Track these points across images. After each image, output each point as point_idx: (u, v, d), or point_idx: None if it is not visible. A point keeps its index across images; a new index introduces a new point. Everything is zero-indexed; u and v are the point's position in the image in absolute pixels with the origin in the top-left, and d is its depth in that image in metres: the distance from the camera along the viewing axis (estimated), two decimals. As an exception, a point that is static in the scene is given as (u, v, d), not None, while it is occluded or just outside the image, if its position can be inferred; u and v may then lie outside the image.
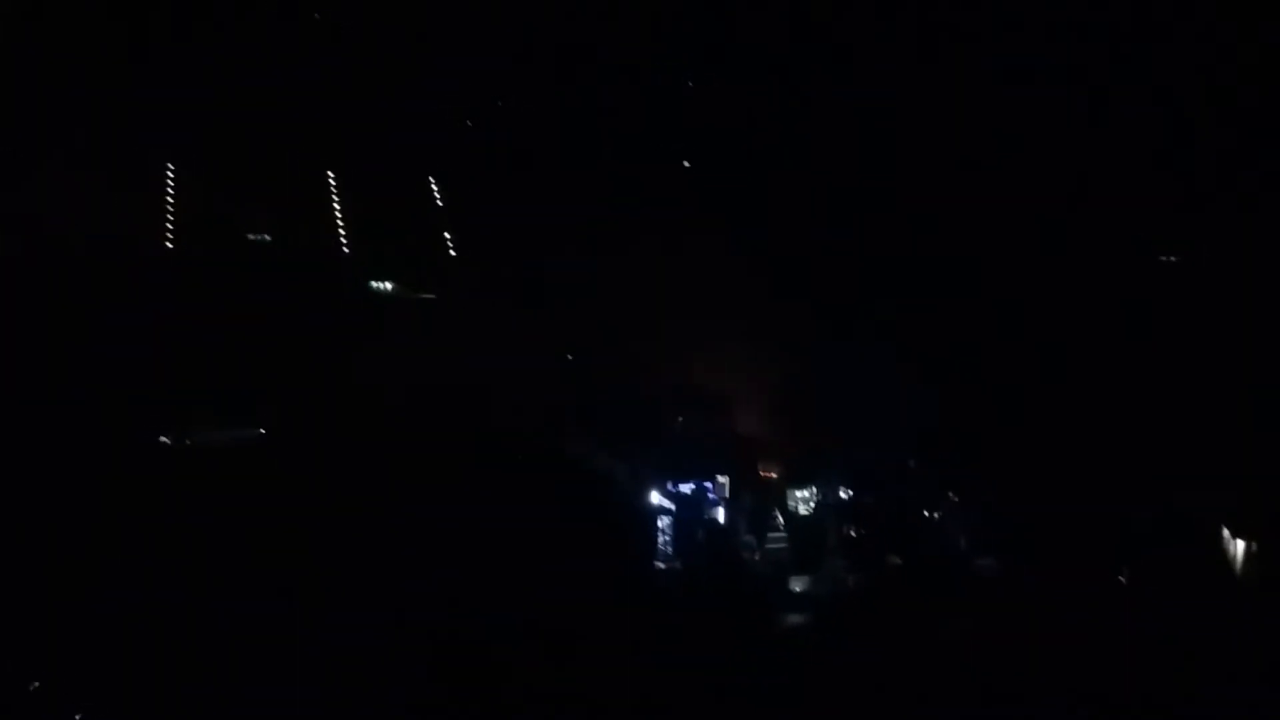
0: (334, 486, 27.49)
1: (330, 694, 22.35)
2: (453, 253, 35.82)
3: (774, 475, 31.10)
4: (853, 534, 29.69)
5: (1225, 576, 27.37)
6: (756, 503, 29.98)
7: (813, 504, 30.34)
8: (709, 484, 29.72)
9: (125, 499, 25.89)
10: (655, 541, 28.55)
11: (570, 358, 32.41)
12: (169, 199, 33.56)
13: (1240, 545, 27.36)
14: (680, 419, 31.69)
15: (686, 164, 33.45)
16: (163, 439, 28.67)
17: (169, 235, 33.25)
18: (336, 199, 35.28)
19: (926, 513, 30.06)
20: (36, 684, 21.84)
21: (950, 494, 30.07)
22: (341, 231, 34.98)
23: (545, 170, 35.46)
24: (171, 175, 33.79)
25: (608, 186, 34.87)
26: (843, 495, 30.51)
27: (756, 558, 29.00)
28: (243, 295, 31.80)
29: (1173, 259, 32.17)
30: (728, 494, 29.83)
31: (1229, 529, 27.53)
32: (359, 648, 23.42)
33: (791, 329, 32.33)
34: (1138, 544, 27.79)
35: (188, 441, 28.80)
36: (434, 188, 36.31)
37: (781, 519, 29.82)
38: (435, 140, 35.90)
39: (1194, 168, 31.66)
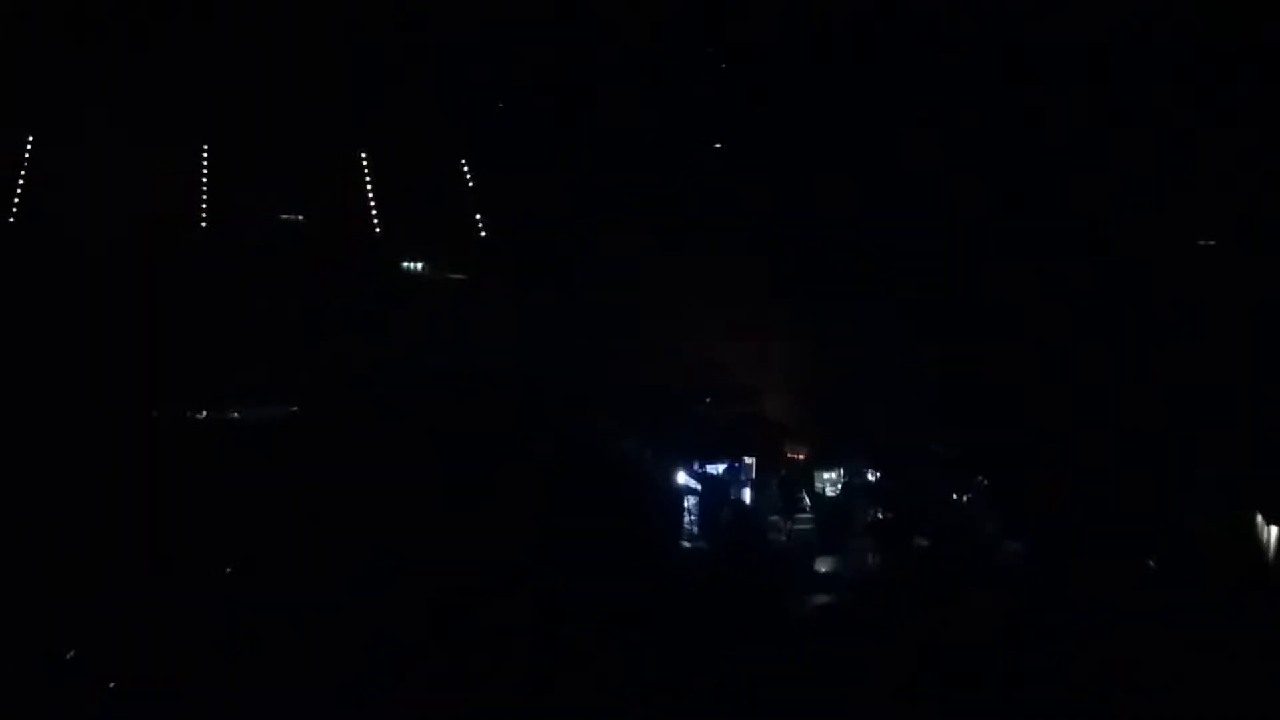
0: (364, 465, 27.83)
1: (356, 674, 22.57)
2: (484, 234, 36.00)
3: (800, 457, 31.06)
4: (879, 516, 29.57)
5: (1258, 563, 27.01)
6: (783, 484, 30.00)
7: (839, 486, 30.27)
8: (736, 465, 29.73)
9: (162, 471, 26.26)
10: (681, 522, 28.64)
11: (600, 341, 32.45)
12: (204, 180, 33.98)
13: (1275, 531, 26.98)
14: (707, 401, 31.77)
15: (718, 145, 33.27)
16: (196, 416, 29.11)
17: (204, 216, 33.70)
18: (369, 179, 35.53)
19: (954, 496, 29.89)
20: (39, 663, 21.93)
21: (978, 477, 29.87)
22: (374, 212, 35.25)
23: (578, 153, 35.48)
24: (206, 157, 34.20)
25: (640, 171, 34.85)
26: (869, 477, 30.40)
27: (782, 539, 29.00)
28: (276, 275, 32.20)
29: (1210, 243, 31.73)
30: (754, 475, 29.85)
31: (1263, 515, 27.15)
32: (381, 629, 23.64)
33: (819, 312, 32.21)
34: (1169, 529, 27.49)
35: (219, 419, 29.26)
36: (465, 169, 36.46)
37: (808, 500, 29.82)
38: (467, 121, 36.03)
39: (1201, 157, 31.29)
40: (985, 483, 29.72)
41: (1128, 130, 31.89)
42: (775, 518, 29.19)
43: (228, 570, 24.89)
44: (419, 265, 34.69)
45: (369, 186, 35.39)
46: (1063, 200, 31.92)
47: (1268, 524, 27.04)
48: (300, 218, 34.25)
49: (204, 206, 33.81)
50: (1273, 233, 30.32)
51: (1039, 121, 32.43)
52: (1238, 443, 27.73)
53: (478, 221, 35.96)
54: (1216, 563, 26.75)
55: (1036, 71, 32.32)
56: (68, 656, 22.20)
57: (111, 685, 21.71)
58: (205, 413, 29.29)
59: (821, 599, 27.48)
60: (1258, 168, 30.74)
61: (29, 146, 33.75)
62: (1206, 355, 28.94)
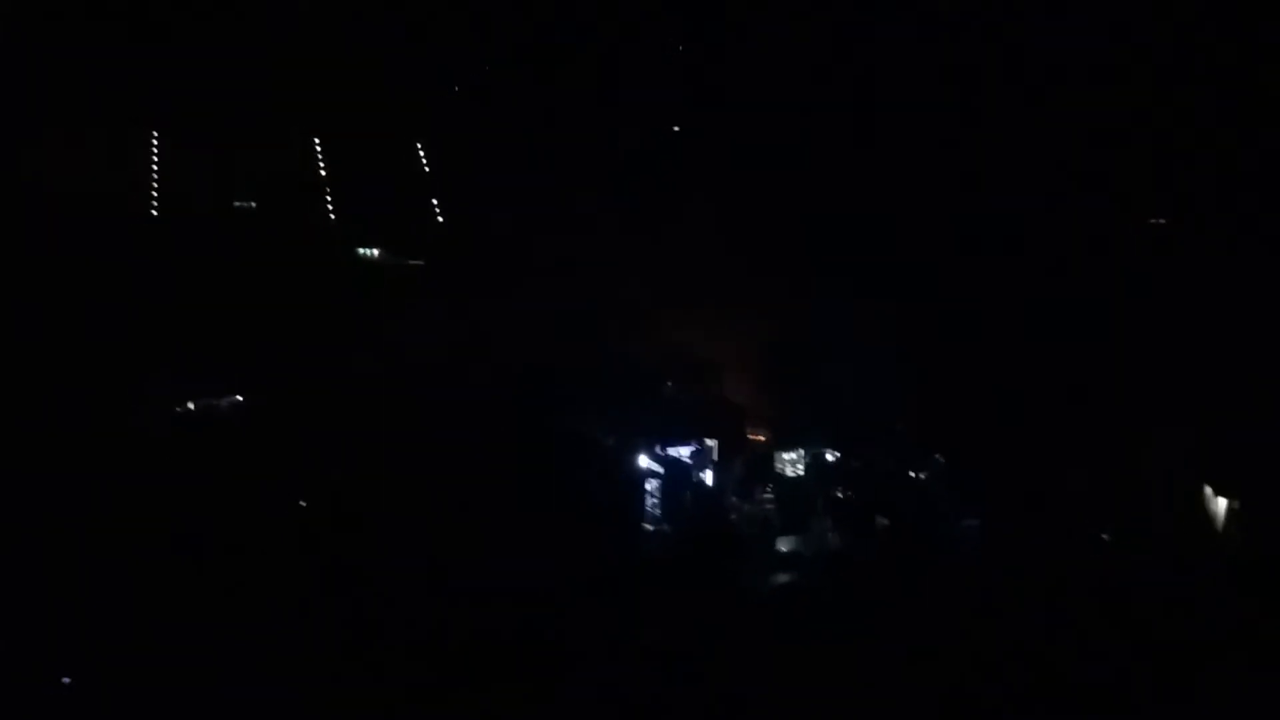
0: (320, 450, 27.67)
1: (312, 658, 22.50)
2: (440, 219, 35.69)
3: (762, 438, 31.23)
4: (839, 495, 29.86)
5: (1207, 533, 27.61)
6: (744, 465, 30.15)
7: (800, 466, 30.49)
8: (698, 448, 29.84)
9: (110, 457, 26.02)
10: (644, 504, 28.72)
11: (561, 326, 32.36)
12: (154, 166, 33.33)
13: (1222, 503, 27.59)
14: (670, 384, 31.82)
15: (676, 129, 33.13)
16: (147, 402, 28.65)
17: (155, 202, 33.07)
18: (323, 165, 35.06)
19: (912, 474, 30.23)
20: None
21: (936, 456, 30.24)
22: (328, 198, 34.80)
23: (534, 136, 35.23)
24: (156, 142, 33.53)
25: (597, 153, 34.69)
26: (829, 458, 30.65)
27: (744, 519, 29.16)
28: (229, 261, 31.71)
29: (1154, 222, 32.23)
30: (716, 457, 29.98)
31: (1211, 487, 27.75)
32: (339, 611, 23.57)
33: (779, 296, 32.33)
34: (1121, 503, 28.02)
35: (172, 406, 28.85)
36: (421, 153, 36.07)
37: (769, 481, 30.00)
38: (422, 105, 35.61)
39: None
40: (943, 461, 30.08)
41: (1081, 126, 32.19)
42: (737, 499, 29.31)
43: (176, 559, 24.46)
44: (375, 251, 34.37)
45: (323, 172, 34.89)
46: (1015, 190, 32.24)
47: (1216, 497, 27.66)
48: (253, 204, 33.69)
49: (155, 193, 33.14)
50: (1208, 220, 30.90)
51: (993, 118, 32.66)
52: (1188, 420, 28.31)
53: (434, 206, 35.61)
54: (1170, 534, 27.36)
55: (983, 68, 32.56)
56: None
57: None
58: (155, 404, 28.79)
59: (782, 578, 27.72)
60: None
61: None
62: (1157, 338, 29.49)
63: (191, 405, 29.18)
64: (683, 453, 29.67)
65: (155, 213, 33.06)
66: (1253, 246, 30.28)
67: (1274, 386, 27.82)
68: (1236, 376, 28.40)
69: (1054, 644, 23.61)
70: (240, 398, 29.72)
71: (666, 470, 29.15)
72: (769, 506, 29.42)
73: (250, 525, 25.49)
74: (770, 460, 30.44)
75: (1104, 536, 27.75)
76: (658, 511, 28.73)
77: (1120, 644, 23.42)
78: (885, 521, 29.08)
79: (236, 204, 33.56)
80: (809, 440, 30.75)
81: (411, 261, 34.43)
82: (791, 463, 30.47)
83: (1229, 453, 27.88)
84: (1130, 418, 28.68)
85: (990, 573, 26.92)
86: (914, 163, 32.82)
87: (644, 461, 29.33)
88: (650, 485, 28.89)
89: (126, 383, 28.41)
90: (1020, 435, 28.92)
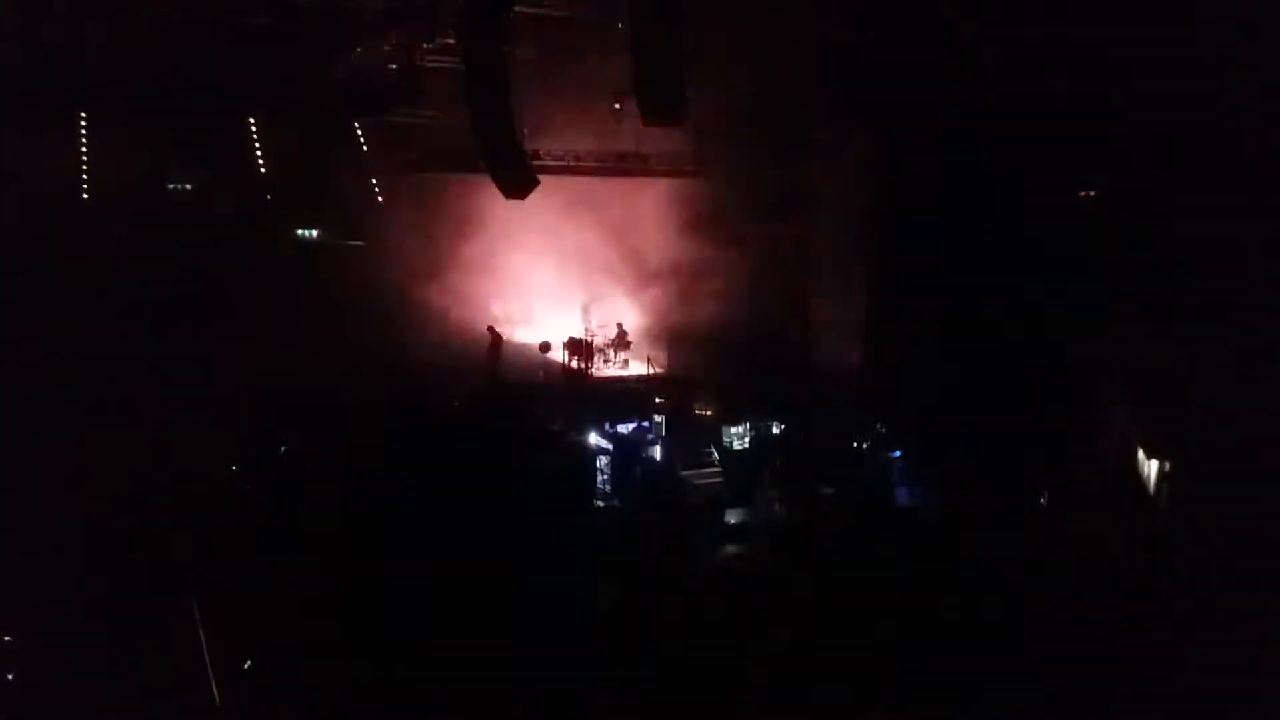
0: (258, 444, 27.43)
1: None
2: (380, 199, 35.32)
3: (708, 412, 31.56)
4: (784, 467, 30.30)
5: (1140, 496, 28.39)
6: (691, 440, 30.46)
7: (746, 439, 30.90)
8: (645, 424, 30.09)
9: (49, 458, 25.34)
10: (594, 482, 28.93)
11: (506, 301, 32.34)
12: (83, 148, 32.45)
13: (1154, 465, 28.35)
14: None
15: (618, 106, 32.91)
16: (80, 402, 28.04)
17: (84, 186, 32.25)
18: (258, 144, 34.43)
19: (856, 444, 30.76)
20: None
21: (878, 425, 30.77)
22: (264, 178, 34.23)
23: (470, 111, 34.75)
24: (84, 123, 32.63)
25: (534, 126, 34.39)
26: (775, 429, 31.07)
27: (693, 493, 29.51)
28: (163, 246, 31.10)
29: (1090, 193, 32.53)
30: (663, 433, 30.23)
31: (1143, 450, 28.51)
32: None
33: (721, 265, 32.51)
34: (1059, 467, 28.71)
35: (108, 399, 28.29)
36: (359, 131, 35.58)
37: (716, 455, 30.37)
38: (359, 80, 35.01)
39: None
40: (885, 430, 30.63)
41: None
42: (685, 474, 29.64)
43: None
44: (314, 233, 33.99)
45: (259, 151, 34.27)
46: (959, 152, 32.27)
47: (1148, 459, 28.44)
48: (187, 186, 33.06)
49: (85, 177, 32.31)
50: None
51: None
52: (1120, 380, 28.91)
53: (374, 185, 35.23)
54: (1103, 495, 28.12)
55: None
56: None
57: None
58: (89, 399, 28.19)
59: (731, 549, 28.13)
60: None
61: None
62: (1095, 304, 29.89)
63: (127, 396, 28.61)
64: (630, 430, 29.92)
65: (85, 197, 32.28)
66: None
67: (1208, 347, 28.41)
68: (1169, 340, 28.99)
69: (1003, 608, 24.11)
70: (177, 385, 29.20)
71: (615, 447, 29.38)
72: (717, 480, 29.78)
73: (190, 513, 25.16)
74: (717, 434, 30.80)
75: (1041, 500, 28.45)
76: (608, 488, 28.99)
77: (1066, 608, 23.99)
78: (830, 491, 29.60)
79: (171, 187, 32.90)
80: (753, 413, 31.15)
81: (352, 243, 34.12)
82: (738, 436, 30.89)
83: (1161, 415, 28.55)
84: (1068, 385, 29.21)
85: (934, 538, 27.53)
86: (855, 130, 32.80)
87: (593, 439, 29.52)
88: (600, 463, 29.11)
89: (63, 374, 27.76)
90: (962, 404, 29.36)
